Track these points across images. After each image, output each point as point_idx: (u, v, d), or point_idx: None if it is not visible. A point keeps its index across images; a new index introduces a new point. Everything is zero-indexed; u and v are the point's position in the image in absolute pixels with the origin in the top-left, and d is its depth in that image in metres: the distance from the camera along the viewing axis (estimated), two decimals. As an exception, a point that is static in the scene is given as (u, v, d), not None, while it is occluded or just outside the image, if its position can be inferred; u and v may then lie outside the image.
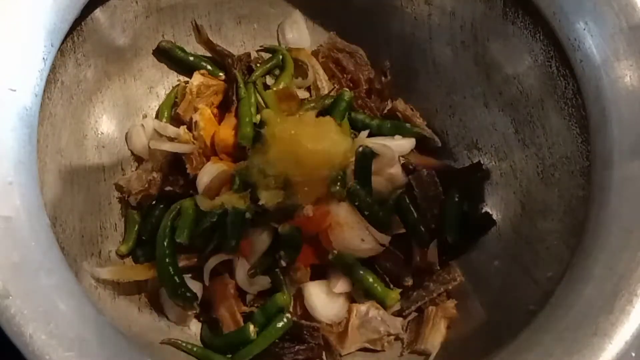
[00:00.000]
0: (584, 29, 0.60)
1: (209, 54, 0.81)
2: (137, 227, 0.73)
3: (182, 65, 0.79)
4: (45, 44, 0.56)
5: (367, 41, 0.82)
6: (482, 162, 0.76)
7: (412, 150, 0.78)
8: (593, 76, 0.60)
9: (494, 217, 0.74)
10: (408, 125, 0.79)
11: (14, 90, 0.53)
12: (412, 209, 0.74)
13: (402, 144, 0.77)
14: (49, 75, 0.56)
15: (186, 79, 0.79)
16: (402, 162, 0.76)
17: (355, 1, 0.81)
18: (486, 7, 0.72)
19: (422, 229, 0.73)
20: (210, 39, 0.80)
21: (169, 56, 0.78)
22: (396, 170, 0.76)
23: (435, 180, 0.75)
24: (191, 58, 0.79)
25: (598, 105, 0.59)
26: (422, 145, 0.79)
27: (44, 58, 0.56)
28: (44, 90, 0.56)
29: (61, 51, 0.58)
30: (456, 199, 0.74)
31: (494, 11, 0.71)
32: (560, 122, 0.67)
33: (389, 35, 0.81)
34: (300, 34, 0.82)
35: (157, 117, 0.78)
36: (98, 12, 0.68)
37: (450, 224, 0.74)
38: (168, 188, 0.73)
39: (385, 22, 0.81)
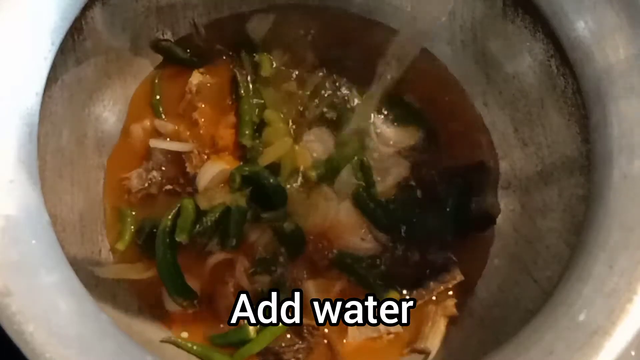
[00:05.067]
0: (584, 28, 0.60)
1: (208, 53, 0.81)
2: (132, 223, 0.72)
3: (182, 64, 0.79)
4: (46, 42, 0.56)
5: (367, 40, 0.82)
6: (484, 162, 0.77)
7: (414, 148, 0.78)
8: (593, 75, 0.60)
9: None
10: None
11: (15, 89, 0.53)
12: (412, 208, 0.74)
13: (406, 135, 0.77)
14: (49, 73, 0.56)
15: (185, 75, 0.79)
16: (404, 160, 0.77)
17: (355, 1, 0.81)
18: (486, 7, 0.72)
19: (422, 227, 0.73)
20: (210, 38, 0.80)
21: (168, 55, 0.78)
22: (397, 169, 0.76)
23: (435, 179, 0.75)
24: (190, 57, 0.79)
25: (598, 104, 0.59)
26: (424, 143, 0.79)
27: (44, 57, 0.56)
28: (45, 89, 0.56)
29: (62, 50, 0.58)
30: (456, 199, 0.74)
31: (493, 10, 0.71)
32: (560, 121, 0.67)
33: (389, 34, 0.81)
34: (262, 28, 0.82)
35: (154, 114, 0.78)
36: (98, 11, 0.68)
37: (449, 223, 0.74)
38: (168, 187, 0.73)
39: (385, 21, 0.81)
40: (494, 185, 0.76)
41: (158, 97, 0.78)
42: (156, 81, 0.78)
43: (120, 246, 0.71)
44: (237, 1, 0.81)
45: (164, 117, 0.77)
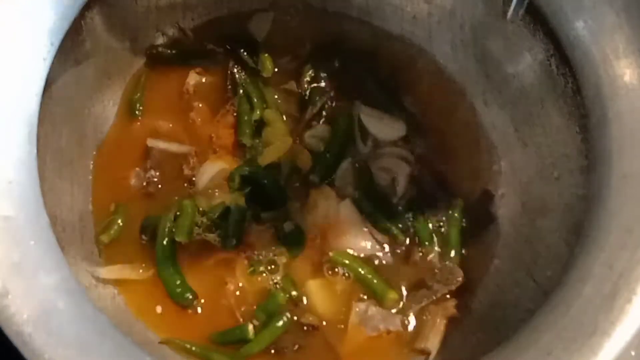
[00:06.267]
0: (584, 28, 0.60)
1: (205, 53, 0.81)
2: (120, 217, 0.72)
3: (177, 63, 0.79)
4: (45, 43, 0.56)
5: (367, 40, 0.82)
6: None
7: (411, 148, 0.78)
8: (593, 74, 0.60)
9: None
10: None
11: (14, 90, 0.53)
12: (412, 208, 0.74)
13: (396, 129, 0.77)
14: (49, 74, 0.56)
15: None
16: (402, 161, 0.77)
17: (355, 0, 0.81)
18: (486, 6, 0.72)
19: (422, 228, 0.73)
20: (211, 36, 0.80)
21: (163, 60, 0.79)
22: (395, 170, 0.76)
23: (434, 182, 0.75)
24: (186, 58, 0.79)
25: (597, 104, 0.59)
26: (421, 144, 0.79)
27: (43, 57, 0.56)
28: (44, 90, 0.56)
29: (61, 50, 0.58)
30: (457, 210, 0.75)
31: (493, 10, 0.71)
32: (559, 121, 0.67)
33: (389, 35, 0.81)
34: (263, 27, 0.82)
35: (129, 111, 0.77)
36: (97, 12, 0.69)
37: (450, 224, 0.74)
38: (167, 186, 0.73)
39: (385, 21, 0.81)
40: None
41: (138, 94, 0.77)
42: (142, 80, 0.78)
43: (105, 238, 0.70)
44: (237, 1, 0.81)
45: (139, 115, 0.77)
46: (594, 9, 0.60)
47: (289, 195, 0.73)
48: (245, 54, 0.79)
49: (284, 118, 0.77)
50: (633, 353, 0.51)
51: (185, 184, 0.73)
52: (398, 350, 0.71)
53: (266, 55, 0.79)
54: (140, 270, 0.69)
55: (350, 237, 0.72)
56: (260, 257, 0.71)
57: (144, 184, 0.73)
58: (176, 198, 0.72)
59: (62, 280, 0.50)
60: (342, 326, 0.70)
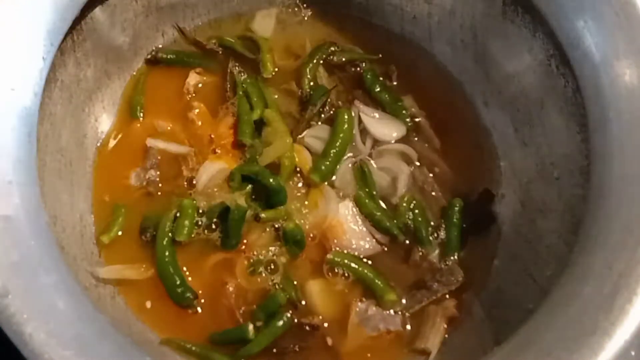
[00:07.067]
0: (584, 28, 0.60)
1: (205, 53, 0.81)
2: (121, 218, 0.72)
3: (178, 64, 0.80)
4: (45, 43, 0.56)
5: (367, 41, 0.82)
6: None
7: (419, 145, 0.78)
8: (592, 75, 0.60)
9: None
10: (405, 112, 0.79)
11: (14, 90, 0.53)
12: (412, 209, 0.74)
13: (396, 130, 0.77)
14: (48, 74, 0.57)
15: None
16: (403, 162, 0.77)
17: (355, 0, 0.81)
18: (485, 6, 0.72)
19: (422, 228, 0.73)
20: (210, 36, 0.80)
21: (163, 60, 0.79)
22: (396, 172, 0.76)
23: (434, 182, 0.75)
24: (185, 58, 0.80)
25: (597, 104, 0.59)
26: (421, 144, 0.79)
27: (43, 57, 0.56)
28: (44, 90, 0.56)
29: (61, 50, 0.58)
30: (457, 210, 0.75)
31: (493, 10, 0.71)
32: (559, 121, 0.67)
33: (389, 34, 0.81)
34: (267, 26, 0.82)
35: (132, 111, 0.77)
36: (98, 11, 0.69)
37: (451, 224, 0.74)
38: (166, 186, 0.73)
39: (385, 21, 0.81)
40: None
41: (138, 94, 0.77)
42: (142, 80, 0.78)
43: (105, 239, 0.70)
44: (237, 1, 0.81)
45: (141, 116, 0.77)
46: (593, 8, 0.60)
47: (288, 195, 0.73)
48: (245, 53, 0.79)
49: (284, 118, 0.76)
50: (633, 353, 0.51)
51: (185, 184, 0.73)
52: (398, 350, 0.71)
53: (267, 55, 0.79)
54: (140, 270, 0.69)
55: (350, 237, 0.72)
56: (260, 257, 0.71)
57: (144, 184, 0.73)
58: (176, 198, 0.72)
59: (62, 279, 0.50)
60: (342, 326, 0.70)
